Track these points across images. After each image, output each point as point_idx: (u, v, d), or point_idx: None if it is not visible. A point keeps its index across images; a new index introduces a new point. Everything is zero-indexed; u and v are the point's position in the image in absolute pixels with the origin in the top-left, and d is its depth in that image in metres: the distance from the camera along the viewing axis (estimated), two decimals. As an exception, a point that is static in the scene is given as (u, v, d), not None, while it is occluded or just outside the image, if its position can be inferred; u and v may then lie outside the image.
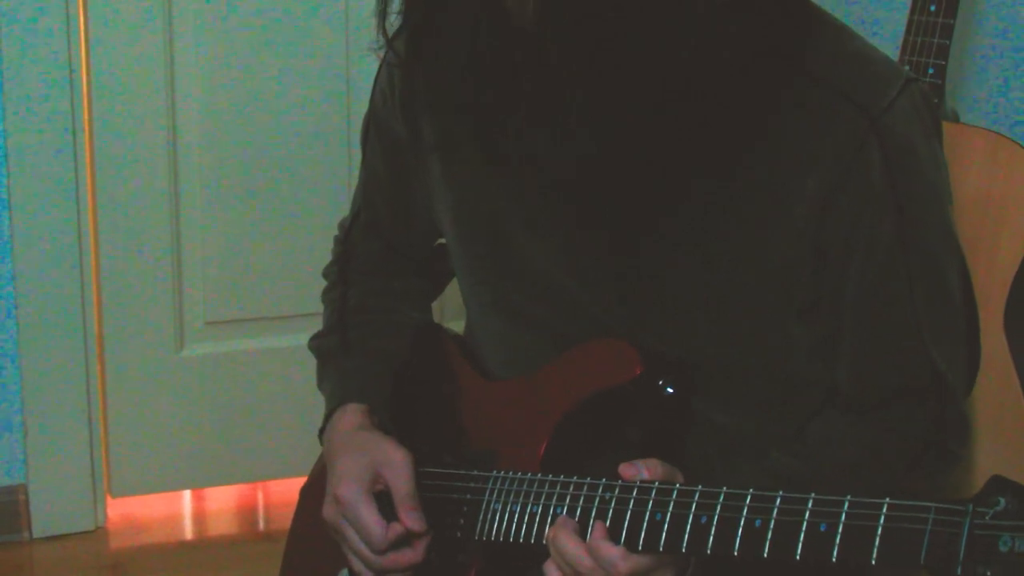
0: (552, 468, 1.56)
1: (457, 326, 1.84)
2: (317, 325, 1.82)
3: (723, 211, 1.47)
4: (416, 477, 1.64)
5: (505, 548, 1.59)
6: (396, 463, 1.63)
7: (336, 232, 1.89)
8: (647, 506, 1.41)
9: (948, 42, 2.25)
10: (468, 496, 1.61)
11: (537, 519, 1.52)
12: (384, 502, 1.60)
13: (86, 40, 2.76)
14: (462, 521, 1.64)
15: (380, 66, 1.73)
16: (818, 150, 1.43)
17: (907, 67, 2.24)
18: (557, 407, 1.61)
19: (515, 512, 1.56)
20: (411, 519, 1.61)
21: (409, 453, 1.64)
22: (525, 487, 1.55)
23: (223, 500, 3.07)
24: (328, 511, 1.64)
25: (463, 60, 1.50)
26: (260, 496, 3.08)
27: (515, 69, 1.45)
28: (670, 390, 1.57)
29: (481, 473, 1.61)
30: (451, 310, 2.63)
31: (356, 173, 1.86)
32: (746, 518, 1.33)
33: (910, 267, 1.48)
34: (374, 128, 1.78)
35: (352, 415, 1.70)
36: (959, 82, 2.54)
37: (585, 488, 1.48)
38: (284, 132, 2.90)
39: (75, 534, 2.88)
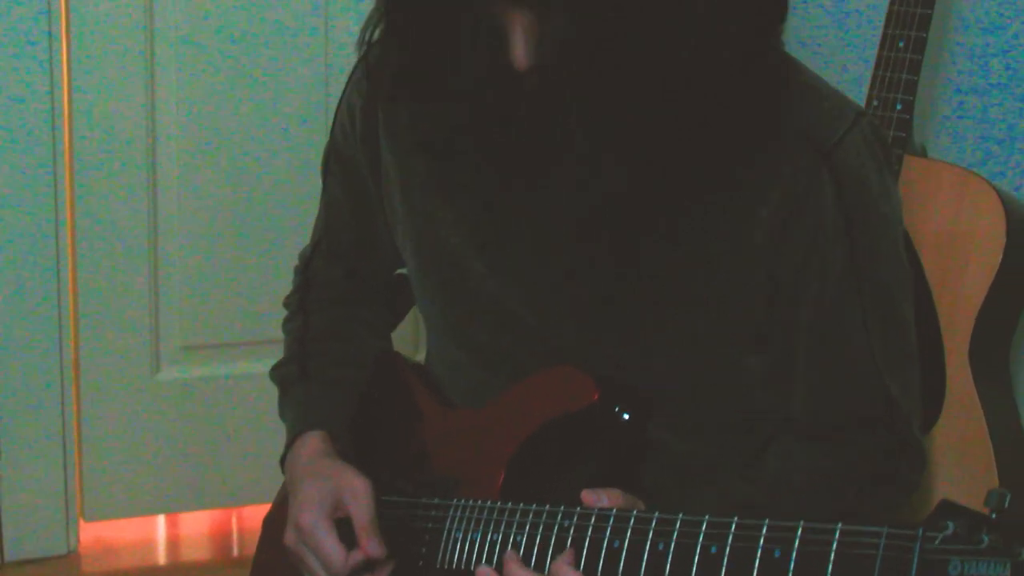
0: (511, 496, 1.57)
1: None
2: (292, 351, 1.82)
3: (679, 241, 1.49)
4: (377, 504, 1.63)
5: None
6: (357, 490, 1.62)
7: (296, 262, 1.89)
8: (605, 533, 1.41)
9: (916, 78, 2.26)
10: (429, 524, 1.61)
11: (498, 547, 1.52)
12: (345, 529, 1.60)
13: (68, 70, 2.76)
14: (424, 550, 1.64)
15: (341, 98, 1.75)
16: (772, 182, 1.45)
17: (876, 102, 2.26)
18: (514, 435, 1.61)
19: (475, 540, 1.55)
20: (371, 546, 1.60)
21: (369, 480, 1.63)
22: (485, 515, 1.55)
23: (197, 525, 3.06)
24: (289, 538, 1.64)
25: (450, 104, 1.52)
26: (234, 522, 3.07)
27: (503, 113, 1.48)
28: (626, 416, 1.57)
29: (442, 501, 1.61)
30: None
31: (319, 207, 1.87)
32: (702, 545, 1.34)
33: (863, 297, 1.50)
34: (335, 158, 1.79)
35: (313, 443, 1.70)
36: (927, 117, 2.55)
37: (544, 516, 1.48)
38: (262, 159, 2.90)
39: (48, 558, 2.87)
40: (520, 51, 1.46)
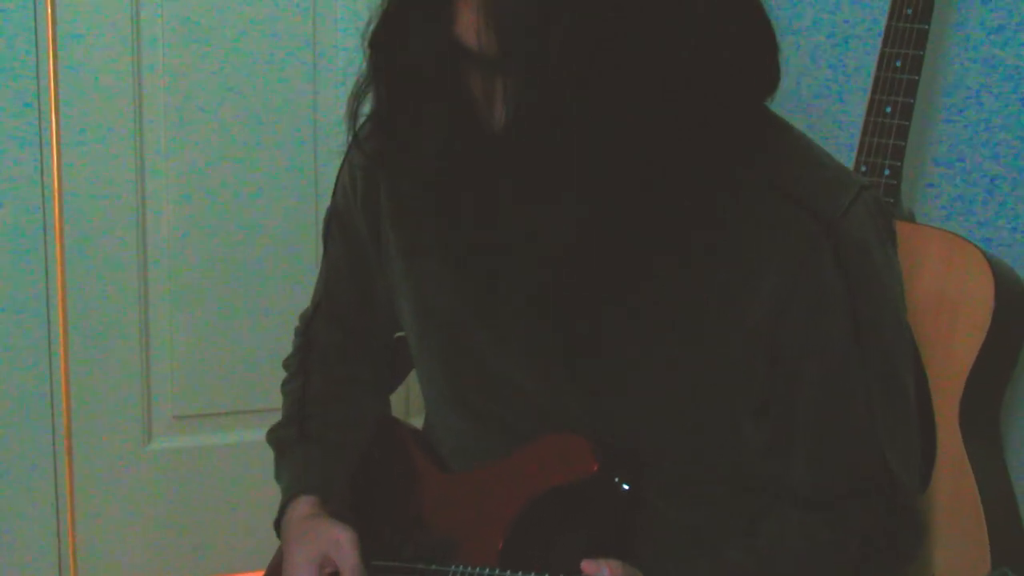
0: (511, 562, 1.56)
1: (421, 421, 1.83)
2: (282, 419, 1.81)
3: (679, 312, 1.48)
4: (360, 552, 1.62)
5: None
6: (341, 543, 1.62)
7: (297, 324, 1.89)
8: None
9: (904, 143, 2.27)
10: None
11: None
12: None
13: (57, 143, 2.76)
14: None
15: (343, 163, 1.74)
16: (773, 254, 1.45)
17: (864, 168, 2.26)
18: (515, 502, 1.60)
19: None
20: None
21: (353, 531, 1.63)
22: None
23: None
24: None
25: (431, 166, 1.51)
26: None
27: (481, 173, 1.47)
28: (626, 487, 1.56)
29: (440, 568, 1.60)
30: (417, 405, 2.63)
31: (320, 269, 1.87)
32: None
33: (865, 369, 1.49)
34: (336, 222, 1.79)
35: (303, 507, 1.69)
36: (915, 182, 2.55)
37: None
38: (252, 230, 2.91)
39: None
40: (498, 112, 1.44)
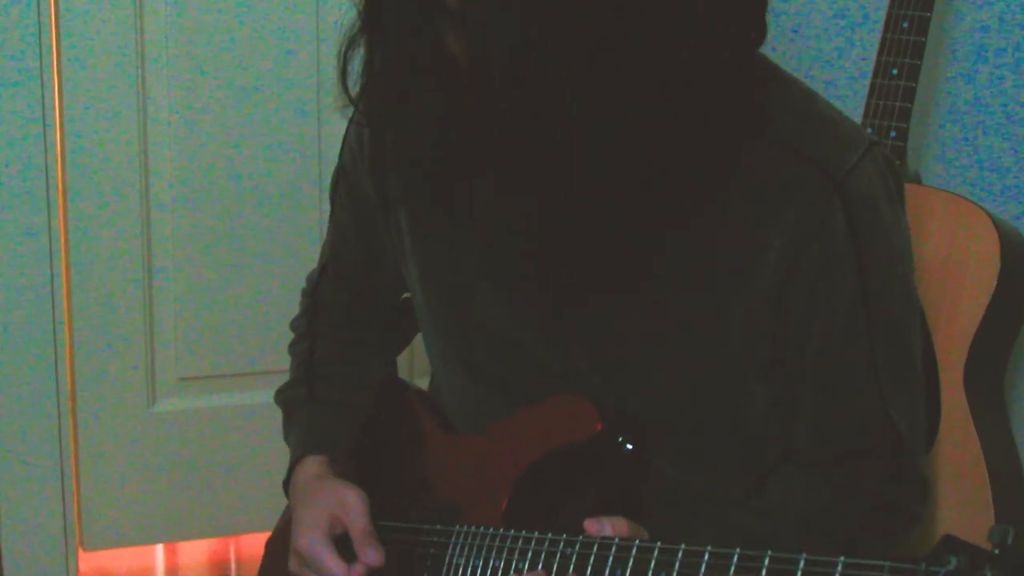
0: (514, 523, 1.56)
1: (425, 383, 1.82)
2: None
3: (687, 269, 1.47)
4: (370, 512, 1.63)
5: None
6: (349, 503, 1.63)
7: (304, 285, 1.88)
8: (607, 562, 1.40)
9: (910, 105, 2.25)
10: (432, 551, 1.61)
11: (499, 574, 1.51)
12: (345, 545, 1.59)
13: (60, 105, 2.75)
14: (425, 575, 1.64)
15: (349, 123, 1.73)
16: (782, 212, 1.43)
17: (870, 130, 2.25)
18: (518, 462, 1.60)
19: (478, 567, 1.54)
20: (369, 555, 1.59)
21: (362, 492, 1.63)
22: (487, 542, 1.54)
23: (195, 554, 3.05)
24: (292, 565, 1.64)
25: (429, 118, 1.49)
26: (232, 550, 3.05)
27: (479, 123, 1.44)
28: (629, 447, 1.56)
29: (444, 527, 1.60)
30: (420, 367, 2.63)
31: (326, 231, 1.86)
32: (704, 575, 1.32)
33: (872, 328, 1.48)
34: (343, 183, 1.78)
35: (312, 467, 1.69)
36: (921, 144, 2.54)
37: (547, 543, 1.47)
38: (256, 191, 2.89)
39: None
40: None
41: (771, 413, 1.55)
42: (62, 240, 2.80)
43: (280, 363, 1.91)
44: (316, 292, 1.87)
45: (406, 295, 1.77)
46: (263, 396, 1.88)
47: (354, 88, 1.56)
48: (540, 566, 1.47)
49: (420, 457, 1.72)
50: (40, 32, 2.69)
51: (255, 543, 2.99)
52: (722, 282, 1.47)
